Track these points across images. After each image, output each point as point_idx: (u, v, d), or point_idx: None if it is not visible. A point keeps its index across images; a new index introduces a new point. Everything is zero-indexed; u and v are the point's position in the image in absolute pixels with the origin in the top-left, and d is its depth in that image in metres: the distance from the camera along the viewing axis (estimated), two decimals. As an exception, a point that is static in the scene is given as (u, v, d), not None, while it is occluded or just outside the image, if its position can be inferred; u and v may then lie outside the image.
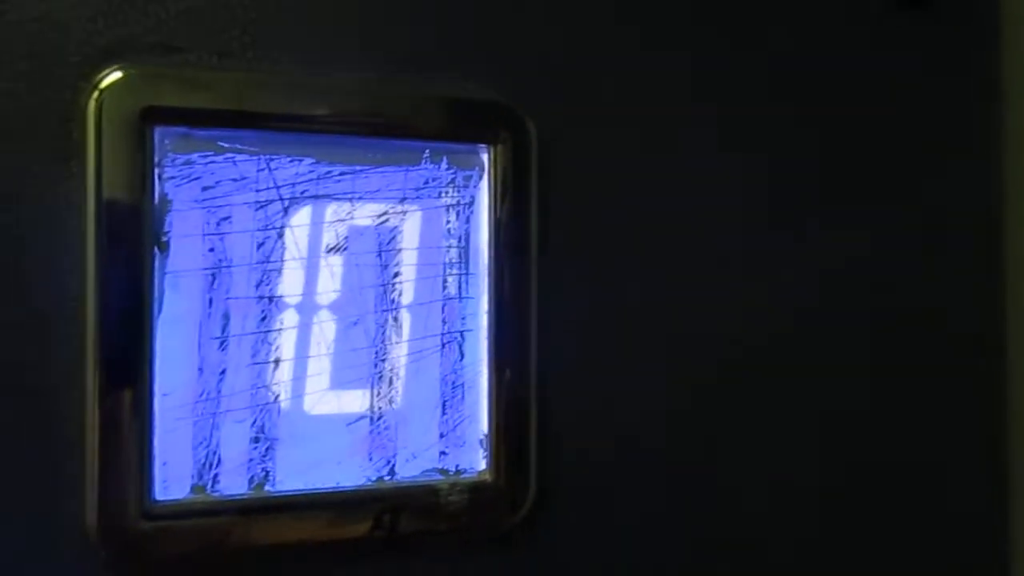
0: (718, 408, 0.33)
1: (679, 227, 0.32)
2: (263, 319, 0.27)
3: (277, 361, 0.27)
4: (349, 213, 0.28)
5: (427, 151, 0.29)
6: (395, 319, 0.29)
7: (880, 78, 0.36)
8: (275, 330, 0.27)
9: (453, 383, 0.29)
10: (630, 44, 0.32)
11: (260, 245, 0.27)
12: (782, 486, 0.34)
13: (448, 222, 0.29)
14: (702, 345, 0.33)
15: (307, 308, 0.28)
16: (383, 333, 0.29)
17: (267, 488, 0.27)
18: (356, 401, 0.28)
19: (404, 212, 0.29)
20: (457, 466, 0.29)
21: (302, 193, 0.28)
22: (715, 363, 0.33)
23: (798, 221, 0.34)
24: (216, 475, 0.27)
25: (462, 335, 0.29)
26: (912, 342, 0.36)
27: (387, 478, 0.29)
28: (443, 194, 0.29)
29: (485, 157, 0.30)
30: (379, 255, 0.29)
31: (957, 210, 0.37)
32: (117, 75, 0.26)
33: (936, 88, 0.37)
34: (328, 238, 0.28)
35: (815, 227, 0.35)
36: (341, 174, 0.28)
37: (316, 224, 0.28)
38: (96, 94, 0.26)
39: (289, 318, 0.28)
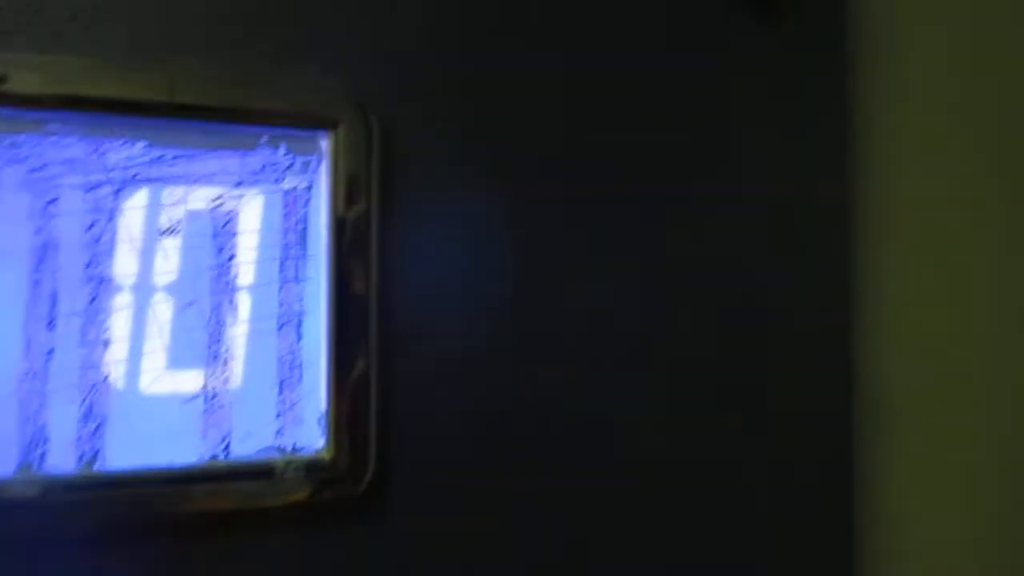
0: (555, 384, 0.34)
1: (513, 212, 0.33)
2: (93, 300, 0.28)
3: (107, 341, 0.28)
4: (184, 196, 0.29)
5: (265, 136, 0.30)
6: (231, 301, 0.29)
7: (729, 80, 0.37)
8: (106, 310, 0.28)
9: (291, 363, 0.30)
10: (472, 37, 0.33)
11: (90, 227, 0.28)
12: (615, 463, 0.35)
13: (286, 206, 0.30)
14: (542, 321, 0.34)
15: (141, 289, 0.28)
16: (219, 314, 0.29)
17: (96, 466, 0.28)
18: (191, 381, 0.29)
19: (241, 196, 0.29)
20: (295, 444, 0.30)
21: (134, 176, 0.28)
22: (555, 341, 0.34)
23: (640, 218, 0.36)
24: (43, 453, 0.27)
25: (300, 316, 0.30)
26: (760, 338, 0.38)
27: (221, 456, 0.29)
28: (281, 179, 0.30)
29: (324, 144, 0.30)
30: (215, 238, 0.29)
31: (807, 209, 0.39)
32: (-61, 55, 0.26)
33: (786, 90, 0.39)
34: (162, 221, 0.29)
35: (659, 229, 0.36)
36: (175, 158, 0.29)
37: (152, 207, 0.28)
38: (-82, 73, 0.26)
39: (122, 299, 0.28)
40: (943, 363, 0.44)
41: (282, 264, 0.30)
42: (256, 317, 0.30)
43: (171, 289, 0.29)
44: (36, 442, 0.27)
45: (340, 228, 0.30)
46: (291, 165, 0.30)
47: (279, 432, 0.30)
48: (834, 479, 0.39)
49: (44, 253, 0.27)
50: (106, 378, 0.28)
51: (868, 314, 0.42)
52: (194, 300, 0.29)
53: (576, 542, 0.34)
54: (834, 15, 0.40)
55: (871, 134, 0.43)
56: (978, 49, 0.45)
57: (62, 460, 0.27)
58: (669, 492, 0.36)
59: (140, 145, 0.28)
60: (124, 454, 0.28)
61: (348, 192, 0.30)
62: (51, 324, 0.27)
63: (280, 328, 0.30)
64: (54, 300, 0.27)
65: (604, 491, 0.35)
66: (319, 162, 0.30)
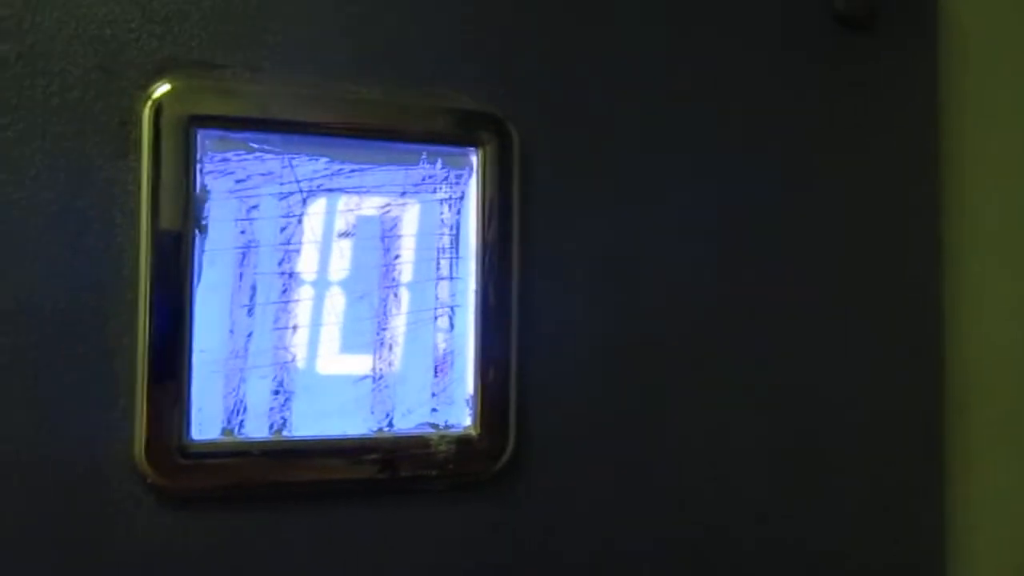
0: (683, 371, 0.38)
1: (646, 215, 0.37)
2: (284, 291, 0.33)
3: (295, 327, 0.33)
4: (357, 204, 0.33)
5: (424, 153, 0.34)
6: (395, 295, 0.34)
7: (822, 98, 0.41)
8: (294, 301, 0.33)
9: (444, 350, 0.34)
10: (607, 58, 0.37)
11: (283, 229, 0.33)
12: (737, 442, 0.38)
13: (442, 213, 0.34)
14: (667, 314, 0.38)
15: (321, 284, 0.33)
16: (385, 306, 0.34)
17: (284, 434, 0.32)
18: (361, 364, 0.33)
19: (404, 204, 0.34)
20: (446, 421, 0.34)
21: (318, 187, 0.33)
22: (678, 332, 0.38)
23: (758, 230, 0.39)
24: (242, 421, 0.32)
25: (452, 309, 0.34)
26: (845, 320, 0.41)
27: (386, 429, 0.34)
28: (438, 189, 0.34)
29: (474, 158, 0.35)
30: (382, 240, 0.34)
31: (897, 217, 0.42)
32: (166, 87, 0.31)
33: (877, 106, 0.42)
34: (339, 225, 0.33)
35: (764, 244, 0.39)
36: (351, 171, 0.33)
37: (329, 213, 0.33)
38: (150, 103, 0.31)
39: (306, 292, 0.33)
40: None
41: (438, 263, 0.34)
42: (415, 309, 0.34)
43: (345, 284, 0.33)
44: (236, 411, 0.32)
45: (486, 233, 0.35)
46: (446, 177, 0.34)
47: (434, 411, 0.34)
48: (920, 485, 0.42)
49: (246, 251, 0.32)
50: (293, 359, 0.33)
51: (957, 324, 0.44)
52: (364, 293, 0.33)
53: (707, 513, 0.37)
54: (924, 29, 0.43)
55: (960, 144, 0.45)
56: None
57: (257, 428, 0.32)
58: (776, 471, 0.39)
59: (323, 160, 0.33)
60: (307, 424, 0.33)
61: (494, 200, 0.35)
62: (250, 311, 0.32)
63: (435, 319, 0.34)
64: (253, 291, 0.32)
65: (726, 467, 0.38)
66: (470, 174, 0.35)
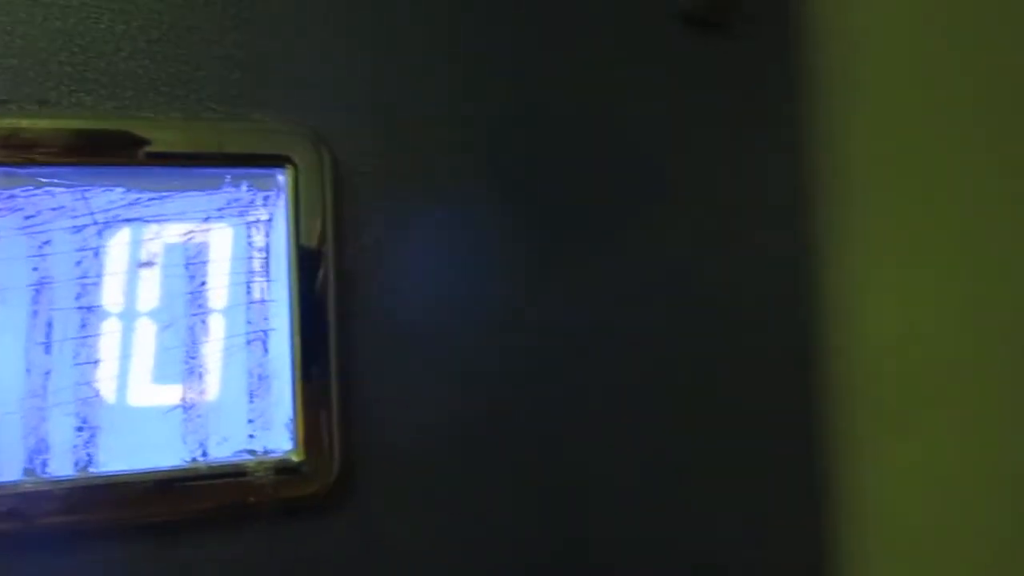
0: (519, 388, 0.37)
1: (466, 237, 0.37)
2: (83, 326, 0.32)
3: (97, 361, 0.32)
4: (158, 233, 0.33)
5: (228, 176, 0.34)
6: (203, 322, 0.33)
7: (673, 97, 0.40)
8: (94, 335, 0.32)
9: (260, 375, 0.34)
10: (429, 67, 0.36)
11: (79, 263, 0.32)
12: (588, 455, 0.38)
13: (250, 236, 0.34)
14: (502, 333, 0.37)
15: (125, 315, 0.33)
16: (193, 334, 0.33)
17: (91, 470, 0.32)
18: (171, 394, 0.33)
19: (208, 230, 0.33)
20: (265, 447, 0.34)
21: (115, 217, 0.32)
22: (519, 348, 0.37)
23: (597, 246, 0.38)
24: (45, 460, 0.32)
25: (266, 333, 0.34)
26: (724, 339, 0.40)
27: (200, 459, 0.33)
28: (244, 213, 0.34)
29: (282, 178, 0.34)
30: (187, 267, 0.33)
31: (766, 216, 0.41)
32: (-52, 125, 0.31)
33: (731, 105, 0.41)
34: (141, 255, 0.33)
35: (622, 246, 0.39)
36: (150, 199, 0.33)
37: (130, 243, 0.33)
38: (-68, 142, 0.31)
39: (108, 324, 0.32)
40: (910, 356, 0.45)
41: (248, 287, 0.34)
42: (227, 335, 0.34)
43: (151, 314, 0.33)
44: (39, 450, 0.31)
45: (300, 252, 0.34)
46: (252, 200, 0.34)
47: (251, 436, 0.34)
48: (799, 482, 0.41)
49: (40, 288, 0.32)
50: (97, 393, 0.32)
51: (832, 313, 0.44)
52: (172, 322, 0.33)
53: (553, 537, 0.37)
54: (782, 23, 0.42)
55: (828, 131, 0.44)
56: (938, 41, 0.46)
57: (61, 466, 0.32)
58: (637, 493, 0.38)
59: (119, 190, 0.33)
60: (116, 459, 0.32)
61: (306, 220, 0.34)
62: (47, 348, 0.32)
63: (249, 344, 0.34)
64: (50, 327, 0.32)
65: (571, 486, 0.37)
66: (278, 195, 0.34)
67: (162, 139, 0.33)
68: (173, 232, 0.33)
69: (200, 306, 0.33)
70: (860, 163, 0.45)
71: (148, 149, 0.33)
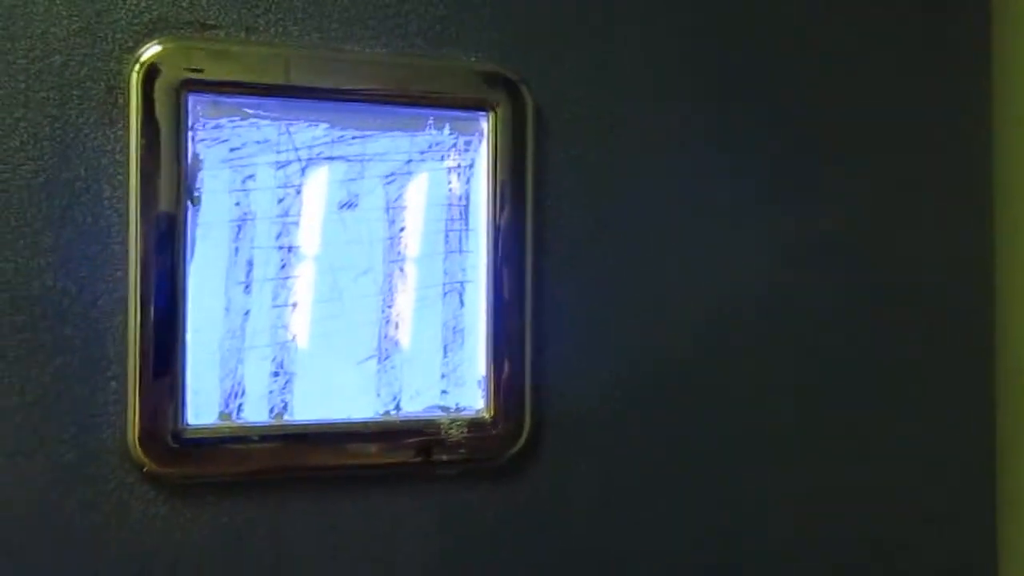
0: (703, 352, 0.35)
1: (666, 191, 0.35)
2: (283, 267, 0.31)
3: (295, 305, 0.31)
4: (360, 173, 0.31)
5: (431, 118, 0.32)
6: (401, 270, 0.32)
7: (873, 56, 0.38)
8: (293, 277, 0.31)
9: (454, 328, 0.32)
10: (624, 22, 0.35)
11: (280, 200, 0.31)
12: (762, 426, 0.36)
13: (450, 183, 0.32)
14: (689, 295, 0.35)
15: (322, 258, 0.31)
16: (390, 282, 0.32)
17: (285, 418, 0.31)
18: (366, 343, 0.31)
19: (410, 173, 0.32)
20: (457, 404, 0.32)
21: (318, 155, 0.31)
22: (702, 313, 0.35)
23: (788, 200, 0.37)
24: (240, 405, 0.30)
25: (462, 285, 0.32)
26: (899, 318, 0.38)
27: (393, 413, 0.32)
28: (445, 157, 0.32)
29: (484, 124, 0.32)
30: (387, 211, 0.32)
31: (949, 188, 0.39)
32: (156, 49, 0.29)
33: (928, 66, 0.39)
34: (341, 196, 0.31)
35: (803, 208, 0.37)
36: (353, 138, 0.31)
37: (330, 183, 0.31)
38: (138, 66, 0.29)
39: (306, 267, 0.31)
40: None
41: (447, 236, 0.32)
42: (423, 285, 0.32)
43: (348, 258, 0.31)
44: (234, 394, 0.30)
45: (499, 203, 0.32)
46: (455, 144, 0.32)
47: (444, 392, 0.32)
48: (972, 461, 0.39)
49: (242, 224, 0.30)
50: (293, 338, 0.31)
51: (1009, 291, 0.42)
52: (368, 269, 0.31)
53: (722, 499, 0.35)
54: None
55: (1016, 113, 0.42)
56: None
57: (256, 412, 0.30)
58: (802, 461, 0.37)
59: (323, 127, 0.31)
60: (309, 408, 0.31)
61: (506, 168, 0.32)
62: (247, 288, 0.30)
63: (445, 295, 0.32)
64: (250, 266, 0.30)
65: (744, 454, 0.36)
66: (480, 140, 0.32)
67: (366, 75, 0.31)
68: (375, 173, 0.31)
69: (399, 253, 0.32)
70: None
71: (352, 85, 0.31)
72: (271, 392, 0.30)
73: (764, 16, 0.36)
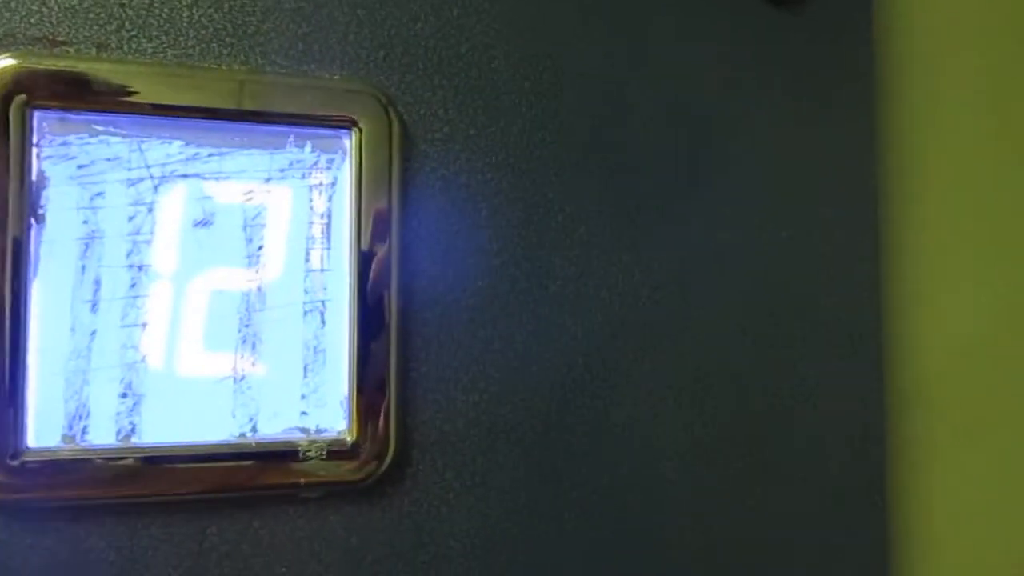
0: (580, 374, 0.35)
1: (539, 211, 0.35)
2: (132, 286, 0.30)
3: (145, 324, 0.30)
4: (216, 191, 0.31)
5: (292, 135, 0.32)
6: (259, 289, 0.31)
7: (752, 76, 0.38)
8: (143, 296, 0.30)
9: (315, 348, 0.32)
10: (491, 38, 0.34)
11: (131, 218, 0.30)
12: (662, 441, 0.36)
13: (311, 200, 0.32)
14: (566, 316, 0.35)
15: (176, 277, 0.31)
16: (248, 301, 0.31)
17: (134, 440, 0.30)
18: (221, 364, 0.31)
19: (269, 191, 0.31)
20: (317, 426, 0.32)
21: (172, 172, 0.30)
22: (580, 334, 0.35)
23: (662, 220, 0.37)
24: (85, 427, 0.29)
25: (324, 304, 0.32)
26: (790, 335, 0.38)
27: (249, 435, 0.31)
28: (307, 175, 0.32)
29: (347, 142, 0.32)
30: (244, 229, 0.31)
31: (835, 207, 0.39)
32: (2, 64, 0.29)
33: (809, 86, 0.39)
34: (196, 214, 0.31)
35: (681, 226, 0.37)
36: (209, 155, 0.31)
37: (186, 200, 0.31)
38: (-17, 82, 0.29)
39: (158, 286, 0.30)
40: (982, 359, 0.43)
41: (307, 254, 0.32)
42: (282, 304, 0.31)
43: (203, 277, 0.31)
44: (79, 416, 0.29)
45: (363, 220, 0.32)
46: (316, 162, 0.32)
47: (303, 414, 0.32)
48: (863, 482, 0.39)
49: (90, 242, 0.30)
50: (144, 359, 0.30)
51: (900, 308, 0.42)
52: (224, 287, 0.31)
53: (600, 526, 0.35)
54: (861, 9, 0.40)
55: (900, 127, 0.42)
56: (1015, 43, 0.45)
57: (102, 434, 0.30)
58: (684, 489, 0.36)
59: (177, 144, 0.31)
60: (160, 431, 0.30)
61: (370, 187, 0.32)
62: (94, 307, 0.30)
63: (305, 315, 0.32)
64: (98, 285, 0.30)
65: (624, 480, 0.35)
66: (343, 158, 0.32)
67: (224, 93, 0.31)
68: (232, 191, 0.31)
69: (256, 272, 0.31)
70: (935, 158, 0.43)
71: (208, 103, 0.31)
72: (118, 414, 0.30)
73: (643, 32, 0.37)
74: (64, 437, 0.29)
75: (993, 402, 0.43)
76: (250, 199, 0.31)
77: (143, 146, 0.30)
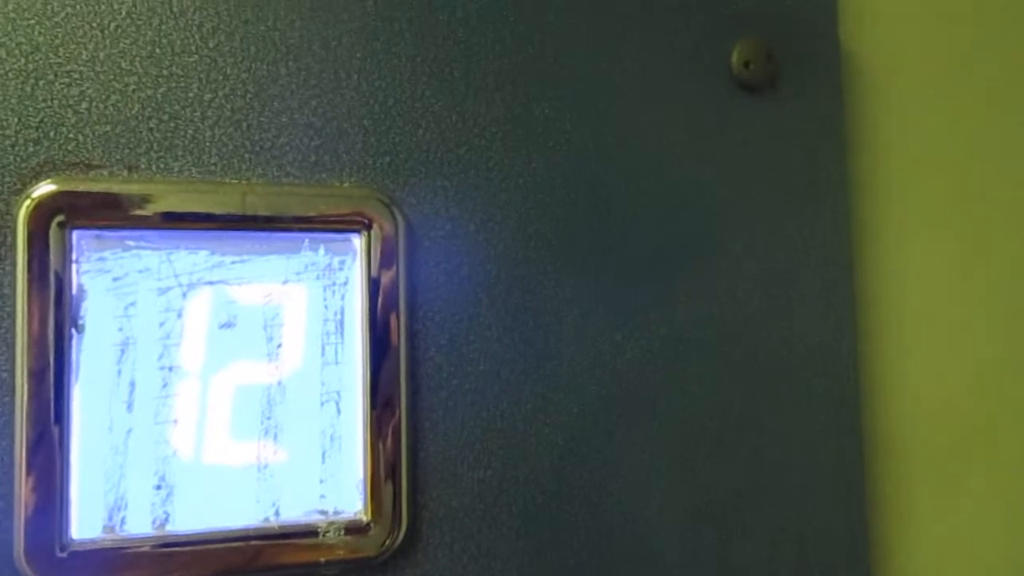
0: (576, 446, 0.37)
1: (535, 298, 0.37)
2: (164, 386, 0.33)
3: (175, 420, 0.33)
4: (238, 295, 0.34)
5: (306, 240, 0.35)
6: (279, 383, 0.34)
7: (728, 163, 0.41)
8: (174, 395, 0.33)
9: (331, 436, 0.34)
10: (487, 140, 0.37)
11: (162, 324, 0.33)
12: (657, 508, 0.38)
13: (325, 299, 0.35)
14: (564, 395, 0.37)
15: (203, 375, 0.33)
16: (268, 395, 0.34)
17: (167, 528, 0.32)
18: (246, 453, 0.34)
19: (286, 292, 0.34)
20: (335, 508, 0.34)
21: (198, 280, 0.33)
22: (576, 411, 0.38)
23: (646, 292, 0.39)
24: (124, 517, 0.32)
25: (339, 394, 0.35)
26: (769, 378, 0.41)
27: (272, 519, 0.34)
28: (321, 276, 0.35)
29: (358, 243, 0.35)
30: (265, 328, 0.34)
31: (812, 280, 0.42)
32: (43, 189, 0.32)
33: (783, 169, 0.42)
34: (220, 316, 0.34)
35: (669, 304, 0.39)
36: (232, 263, 0.34)
37: (211, 305, 0.34)
38: (26, 204, 0.32)
39: (187, 384, 0.33)
40: (959, 413, 0.45)
41: (323, 349, 0.35)
42: (300, 396, 0.34)
43: (227, 374, 0.34)
44: (117, 507, 0.32)
45: (373, 316, 0.35)
46: (329, 263, 0.35)
47: (322, 497, 0.34)
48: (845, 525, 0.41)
49: (125, 348, 0.32)
50: (175, 452, 0.33)
51: (877, 373, 0.44)
52: (247, 383, 0.34)
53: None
54: (828, 85, 0.43)
55: (874, 199, 0.45)
56: (979, 105, 0.47)
57: (139, 524, 0.32)
58: (676, 557, 0.39)
59: (203, 253, 0.33)
60: (191, 518, 0.33)
61: (379, 283, 0.35)
62: (130, 407, 0.32)
63: (322, 405, 0.34)
64: (132, 386, 0.32)
65: (622, 549, 0.38)
66: (354, 259, 0.35)
67: (244, 204, 0.34)
68: (253, 294, 0.34)
69: (276, 366, 0.34)
70: (906, 218, 0.46)
71: (230, 212, 0.34)
72: (153, 504, 0.32)
73: (625, 124, 0.39)
74: (105, 528, 0.32)
75: (971, 451, 0.45)
76: (269, 300, 0.34)
77: (172, 257, 0.33)
